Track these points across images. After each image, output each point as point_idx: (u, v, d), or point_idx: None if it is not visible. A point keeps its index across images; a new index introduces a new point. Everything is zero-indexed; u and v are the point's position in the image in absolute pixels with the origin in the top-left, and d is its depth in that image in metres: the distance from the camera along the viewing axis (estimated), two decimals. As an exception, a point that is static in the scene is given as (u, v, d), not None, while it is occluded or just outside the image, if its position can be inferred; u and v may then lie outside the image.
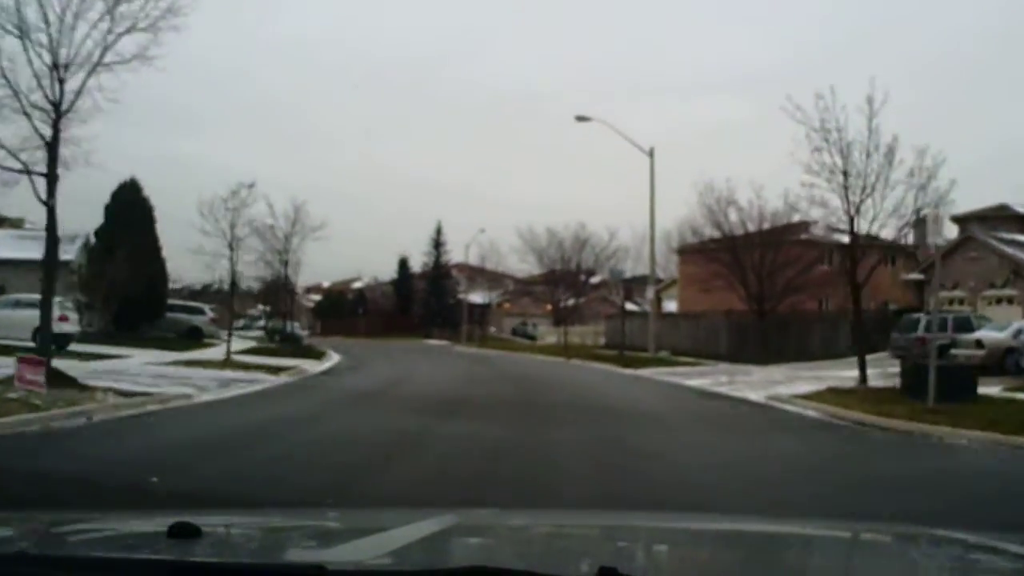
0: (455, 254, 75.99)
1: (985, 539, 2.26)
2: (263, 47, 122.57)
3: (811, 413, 15.45)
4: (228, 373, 19.26)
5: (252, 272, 36.29)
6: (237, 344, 36.60)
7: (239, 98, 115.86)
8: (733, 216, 34.04)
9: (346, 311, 78.59)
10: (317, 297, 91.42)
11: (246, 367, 20.81)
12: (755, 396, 18.16)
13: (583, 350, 42.70)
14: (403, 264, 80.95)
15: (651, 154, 32.75)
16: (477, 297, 75.16)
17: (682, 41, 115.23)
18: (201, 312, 37.46)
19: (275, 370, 21.01)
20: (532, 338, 70.09)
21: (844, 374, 21.57)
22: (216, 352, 26.66)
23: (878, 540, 2.51)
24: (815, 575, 2.15)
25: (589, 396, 18.66)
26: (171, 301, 38.81)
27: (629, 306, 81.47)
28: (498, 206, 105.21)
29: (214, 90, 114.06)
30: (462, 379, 22.59)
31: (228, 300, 30.88)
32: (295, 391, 18.07)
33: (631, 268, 61.05)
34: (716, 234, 34.32)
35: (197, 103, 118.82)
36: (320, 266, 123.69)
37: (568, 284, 52.56)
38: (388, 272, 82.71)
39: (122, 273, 29.13)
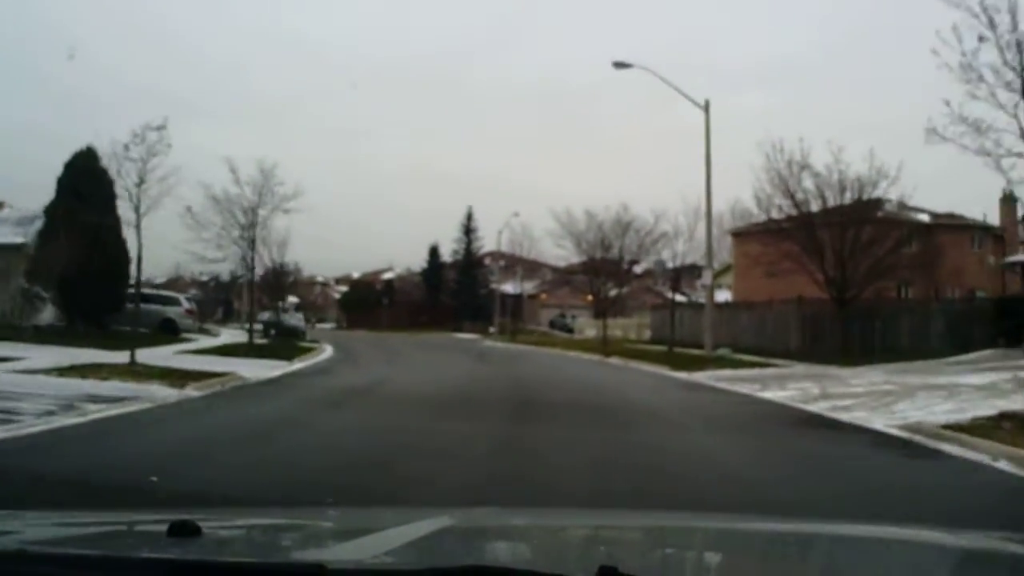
0: (487, 241, 70.63)
1: (985, 539, 2.28)
2: (283, 45, 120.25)
3: (1006, 467, 8.81)
4: (106, 386, 13.70)
5: (216, 253, 29.04)
6: (219, 340, 31.57)
7: (270, 94, 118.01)
8: (808, 183, 28.03)
9: (372, 304, 73.82)
10: (345, 289, 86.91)
11: (150, 376, 15.21)
12: (880, 424, 11.92)
13: (624, 345, 37.11)
14: (434, 253, 75.87)
15: (706, 108, 27.01)
16: (511, 287, 69.44)
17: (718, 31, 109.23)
18: (175, 302, 32.36)
19: (189, 380, 15.20)
20: (569, 331, 64.37)
21: (972, 380, 16.02)
22: (166, 352, 21.72)
23: (878, 540, 2.44)
24: (815, 575, 2.17)
25: (625, 421, 12.55)
26: (144, 291, 34.12)
27: (676, 296, 74.37)
28: (533, 197, 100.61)
29: (248, 86, 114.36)
30: (456, 390, 16.74)
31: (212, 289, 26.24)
32: (150, 423, 11.00)
33: (679, 255, 54.80)
34: (788, 204, 28.31)
35: (228, 97, 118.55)
36: (351, 257, 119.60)
37: (609, 273, 46.88)
38: (420, 263, 77.88)
39: (67, 256, 24.25)
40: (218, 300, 75.51)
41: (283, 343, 30.23)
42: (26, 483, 6.55)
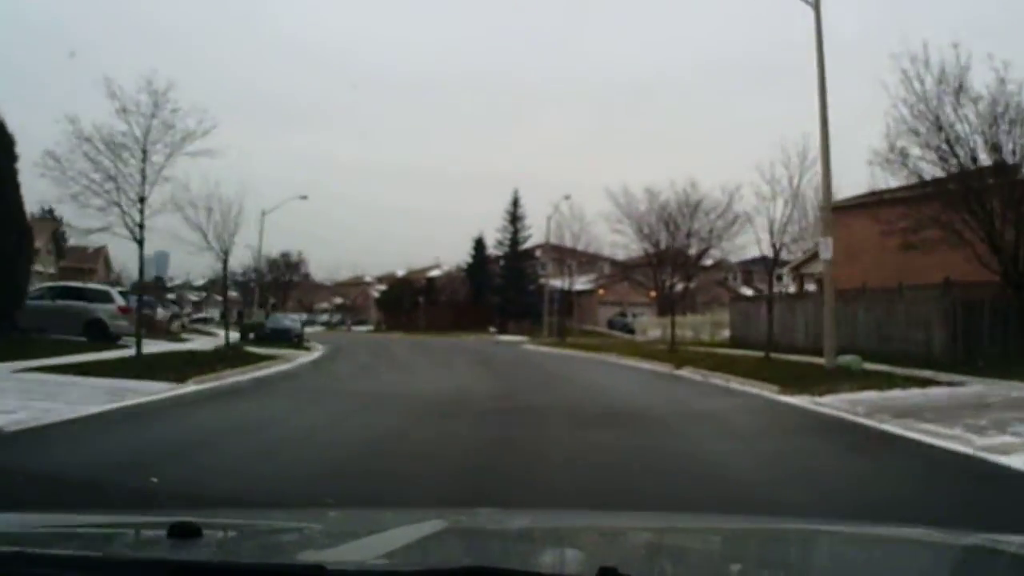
0: (535, 231, 62.68)
1: (985, 539, 2.23)
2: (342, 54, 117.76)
3: None
4: None
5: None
6: (166, 347, 24.42)
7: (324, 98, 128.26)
8: (968, 113, 19.33)
9: (410, 304, 66.73)
10: (385, 288, 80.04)
11: None
12: None
13: (699, 350, 29.06)
14: (479, 245, 68.31)
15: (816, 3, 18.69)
16: (563, 283, 61.51)
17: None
18: (105, 298, 25.21)
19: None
20: (630, 331, 56.12)
21: None
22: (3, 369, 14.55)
23: (878, 540, 2.47)
24: (815, 575, 2.19)
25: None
26: (66, 284, 27.45)
27: (747, 292, 65.45)
28: (586, 190, 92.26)
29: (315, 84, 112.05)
30: (426, 452, 8.92)
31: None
32: None
33: (764, 238, 46.27)
34: (936, 145, 19.62)
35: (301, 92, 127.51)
36: (395, 252, 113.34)
37: (675, 263, 38.61)
38: (468, 258, 70.38)
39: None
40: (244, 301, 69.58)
41: (232, 352, 23.18)
42: None
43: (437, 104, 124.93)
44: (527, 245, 65.29)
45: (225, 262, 27.35)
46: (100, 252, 56.50)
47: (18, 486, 6.26)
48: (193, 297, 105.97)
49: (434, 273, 77.62)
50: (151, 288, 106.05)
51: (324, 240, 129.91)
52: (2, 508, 2.68)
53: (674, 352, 28.10)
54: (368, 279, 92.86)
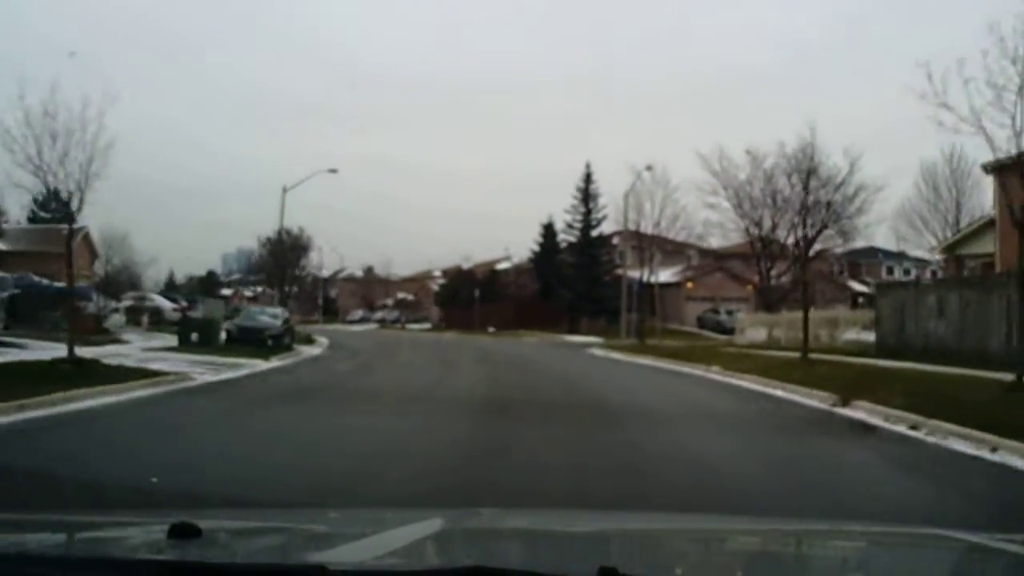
0: (610, 210, 53.56)
1: (985, 539, 2.24)
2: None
3: None
4: None
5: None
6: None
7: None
8: None
9: (468, 299, 58.77)
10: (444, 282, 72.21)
11: None
12: None
13: (844, 363, 19.99)
14: (547, 232, 59.69)
15: None
16: (644, 273, 52.33)
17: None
18: None
19: None
20: (727, 331, 46.85)
21: None
22: None
23: (878, 540, 2.48)
24: (815, 575, 2.17)
25: None
26: None
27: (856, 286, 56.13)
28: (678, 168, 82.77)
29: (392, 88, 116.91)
30: None
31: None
32: None
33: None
34: None
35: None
36: (459, 244, 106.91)
37: (782, 248, 29.56)
38: (534, 247, 61.96)
39: None
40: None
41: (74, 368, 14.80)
42: None
43: (515, 101, 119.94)
44: (601, 230, 55.96)
45: (69, 209, 17.08)
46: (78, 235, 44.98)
47: None
48: (248, 293, 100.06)
49: (503, 266, 69.48)
50: (205, 284, 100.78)
51: (401, 238, 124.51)
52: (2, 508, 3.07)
53: (810, 365, 19.09)
54: (436, 273, 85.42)
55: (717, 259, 56.75)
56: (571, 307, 53.29)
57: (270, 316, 28.96)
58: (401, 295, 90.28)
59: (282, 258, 46.16)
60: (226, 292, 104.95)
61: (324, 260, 53.84)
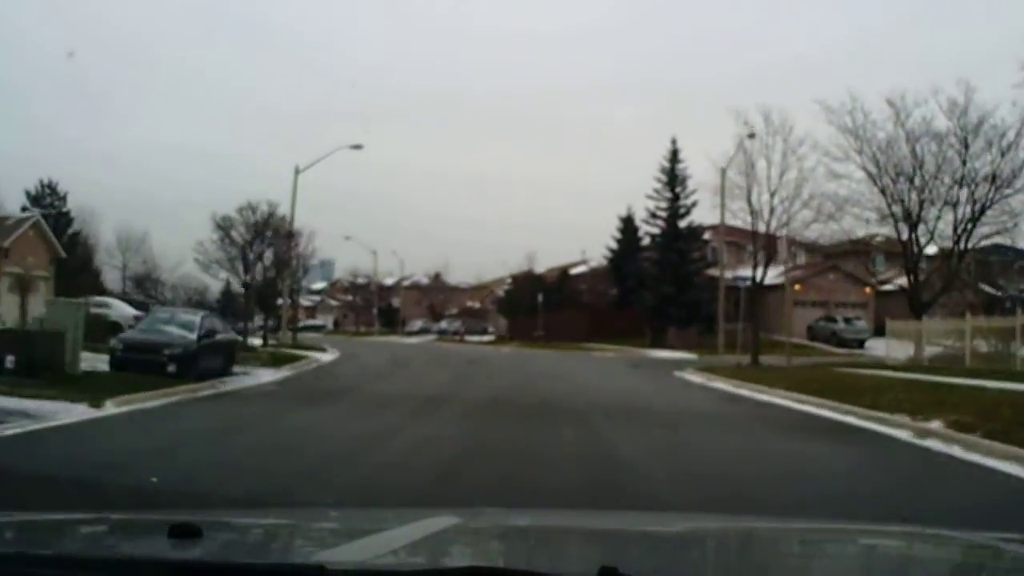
0: (701, 194, 45.14)
1: (985, 539, 2.24)
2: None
3: None
4: None
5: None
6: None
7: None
8: None
9: (530, 306, 51.32)
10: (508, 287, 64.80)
11: None
12: None
13: None
14: (627, 226, 51.86)
15: None
16: (743, 273, 43.62)
17: None
18: None
19: None
20: (847, 343, 38.09)
21: None
22: None
23: (878, 540, 2.46)
24: (815, 575, 2.15)
25: None
26: None
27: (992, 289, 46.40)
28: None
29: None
30: None
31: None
32: None
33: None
34: None
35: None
36: (530, 248, 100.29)
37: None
38: (611, 245, 54.15)
39: None
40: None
41: None
42: None
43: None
44: (691, 220, 47.04)
45: None
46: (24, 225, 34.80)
47: None
48: (307, 302, 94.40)
49: (579, 270, 61.68)
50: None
51: (472, 249, 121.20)
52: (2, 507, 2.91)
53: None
54: (507, 280, 77.86)
55: (827, 257, 47.89)
56: (655, 314, 45.07)
57: (180, 326, 19.27)
58: (471, 304, 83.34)
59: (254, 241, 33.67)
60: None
61: (315, 249, 42.61)
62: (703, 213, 42.82)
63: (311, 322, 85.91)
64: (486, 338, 58.91)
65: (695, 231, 46.32)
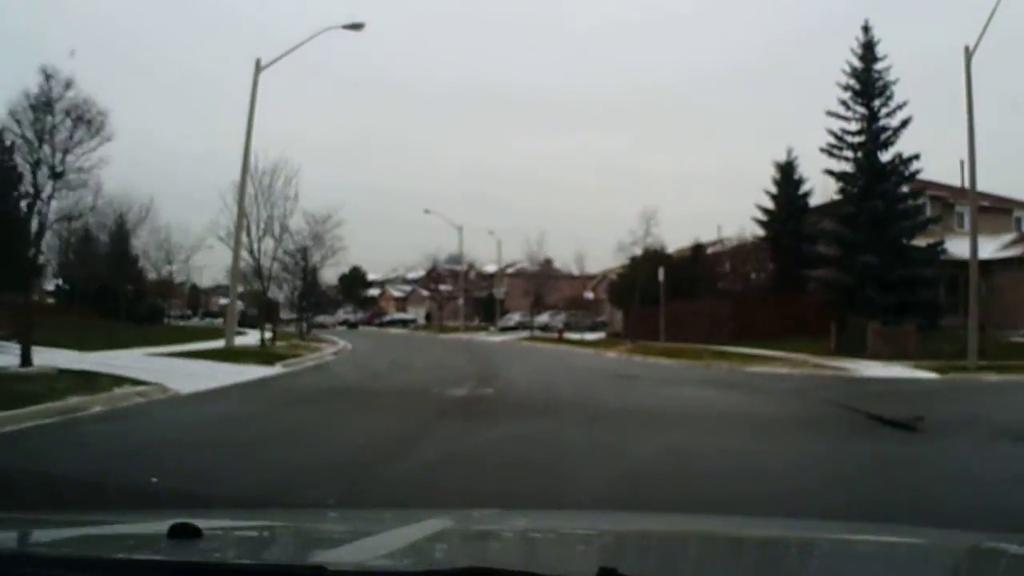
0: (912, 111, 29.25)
1: (985, 539, 2.26)
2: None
3: None
4: None
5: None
6: None
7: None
8: None
9: (648, 292, 36.58)
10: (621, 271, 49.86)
11: None
12: None
13: None
14: (786, 178, 36.70)
15: None
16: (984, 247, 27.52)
17: None
18: None
19: None
20: None
21: None
22: None
23: (878, 540, 2.45)
24: (814, 575, 2.15)
25: None
26: None
27: None
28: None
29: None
30: None
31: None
32: None
33: None
34: None
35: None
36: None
37: None
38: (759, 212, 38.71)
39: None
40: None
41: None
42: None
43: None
44: (898, 153, 30.77)
45: None
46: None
47: None
48: (397, 293, 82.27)
49: (715, 251, 46.24)
50: (348, 284, 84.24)
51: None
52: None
53: None
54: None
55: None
56: (842, 300, 29.54)
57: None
58: (588, 295, 68.83)
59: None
60: (373, 293, 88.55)
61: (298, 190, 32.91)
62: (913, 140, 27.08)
63: (398, 315, 73.79)
64: (591, 336, 44.52)
65: (904, 169, 30.26)
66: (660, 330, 33.58)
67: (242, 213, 26.51)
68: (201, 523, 1.90)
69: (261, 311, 33.61)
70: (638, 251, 41.47)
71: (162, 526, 1.88)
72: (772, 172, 37.96)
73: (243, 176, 26.04)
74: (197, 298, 75.50)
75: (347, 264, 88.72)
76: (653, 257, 40.22)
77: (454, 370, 20.96)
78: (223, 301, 67.94)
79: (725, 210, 73.41)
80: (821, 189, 36.05)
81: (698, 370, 22.66)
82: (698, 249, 41.45)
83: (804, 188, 37.39)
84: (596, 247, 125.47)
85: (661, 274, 32.69)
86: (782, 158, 37.67)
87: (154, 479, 6.60)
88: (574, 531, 2.62)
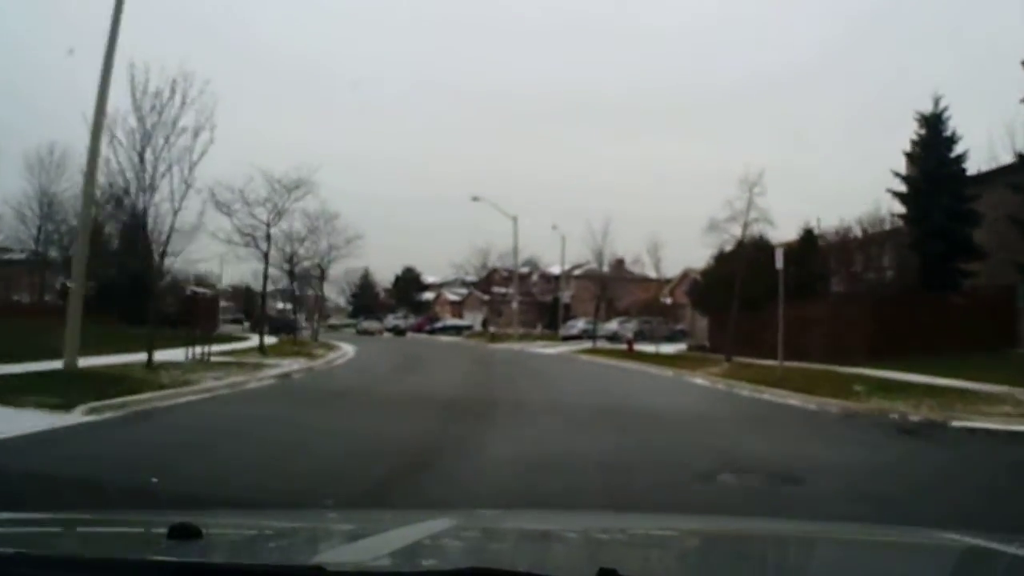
0: None
1: (985, 540, 2.21)
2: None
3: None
4: None
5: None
6: None
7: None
8: None
9: (752, 294, 27.32)
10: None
11: None
12: None
13: None
14: (933, 131, 27.35)
15: None
16: None
17: None
18: None
19: None
20: None
21: None
22: None
23: (878, 541, 2.45)
24: (815, 575, 2.14)
25: None
26: None
27: None
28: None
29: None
30: None
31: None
32: None
33: None
34: None
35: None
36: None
37: None
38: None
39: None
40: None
41: None
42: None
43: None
44: None
45: None
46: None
47: None
48: (453, 297, 74.45)
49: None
50: (402, 286, 76.78)
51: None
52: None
53: None
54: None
55: None
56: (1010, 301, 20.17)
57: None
58: (667, 299, 59.39)
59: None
60: (428, 296, 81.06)
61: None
62: None
63: (451, 322, 65.83)
64: (669, 348, 35.24)
65: None
66: (777, 343, 23.51)
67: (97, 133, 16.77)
68: (201, 523, 1.89)
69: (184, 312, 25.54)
70: (736, 231, 31.32)
71: (162, 526, 1.87)
72: (910, 134, 28.31)
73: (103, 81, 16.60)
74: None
75: (398, 264, 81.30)
76: (753, 247, 30.83)
77: (423, 421, 12.23)
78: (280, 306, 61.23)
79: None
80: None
81: (887, 429, 13.10)
82: (809, 238, 31.85)
83: (956, 151, 27.74)
84: (673, 251, 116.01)
85: (779, 258, 22.30)
86: (925, 109, 28.01)
87: None
88: (574, 531, 2.60)
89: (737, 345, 27.86)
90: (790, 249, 28.48)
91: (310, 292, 49.30)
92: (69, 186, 42.82)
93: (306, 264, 38.00)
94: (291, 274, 37.77)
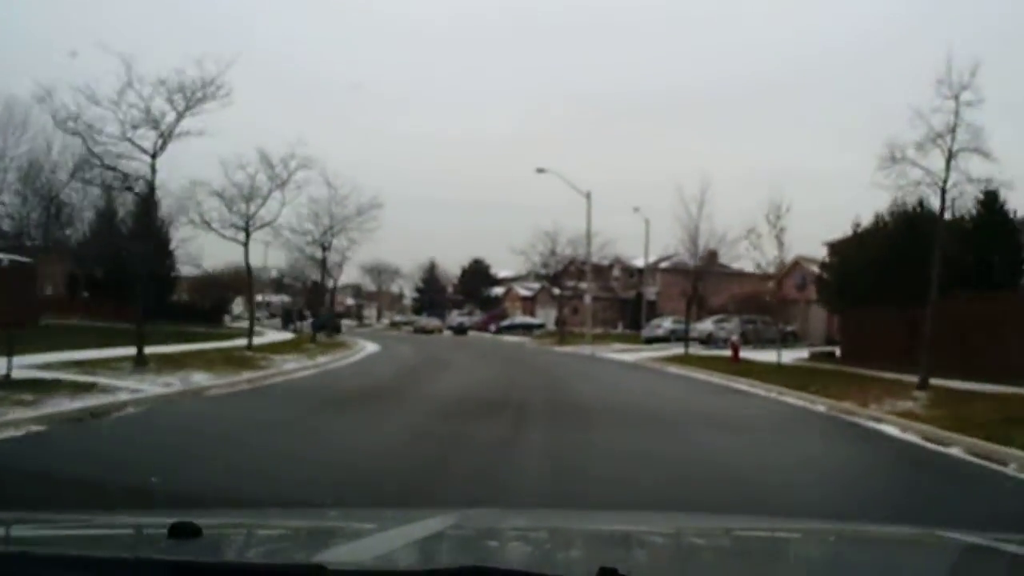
0: None
1: (985, 539, 2.19)
2: None
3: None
4: None
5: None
6: None
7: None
8: None
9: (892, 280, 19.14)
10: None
11: None
12: None
13: None
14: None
15: None
16: None
17: None
18: None
19: None
20: None
21: None
22: None
23: (878, 540, 2.42)
24: (814, 575, 2.11)
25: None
26: None
27: None
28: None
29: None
30: None
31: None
32: None
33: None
34: None
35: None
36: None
37: None
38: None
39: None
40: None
41: None
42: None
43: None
44: None
45: None
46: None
47: None
48: (525, 292, 67.55)
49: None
50: (469, 278, 70.73)
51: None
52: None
53: None
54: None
55: None
56: None
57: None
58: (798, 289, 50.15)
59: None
60: (498, 291, 74.37)
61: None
62: None
63: (520, 319, 58.98)
64: (785, 355, 27.04)
65: None
66: (949, 353, 15.25)
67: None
68: (201, 522, 1.87)
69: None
70: (933, 163, 20.41)
71: (162, 525, 1.86)
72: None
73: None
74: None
75: (467, 258, 75.01)
76: (904, 221, 22.35)
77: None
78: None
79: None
80: None
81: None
82: (990, 206, 23.15)
83: None
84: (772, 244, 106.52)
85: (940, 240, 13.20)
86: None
87: None
88: (574, 531, 2.58)
89: (877, 349, 20.24)
90: (962, 223, 20.26)
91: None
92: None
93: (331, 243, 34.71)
94: (323, 262, 35.76)
